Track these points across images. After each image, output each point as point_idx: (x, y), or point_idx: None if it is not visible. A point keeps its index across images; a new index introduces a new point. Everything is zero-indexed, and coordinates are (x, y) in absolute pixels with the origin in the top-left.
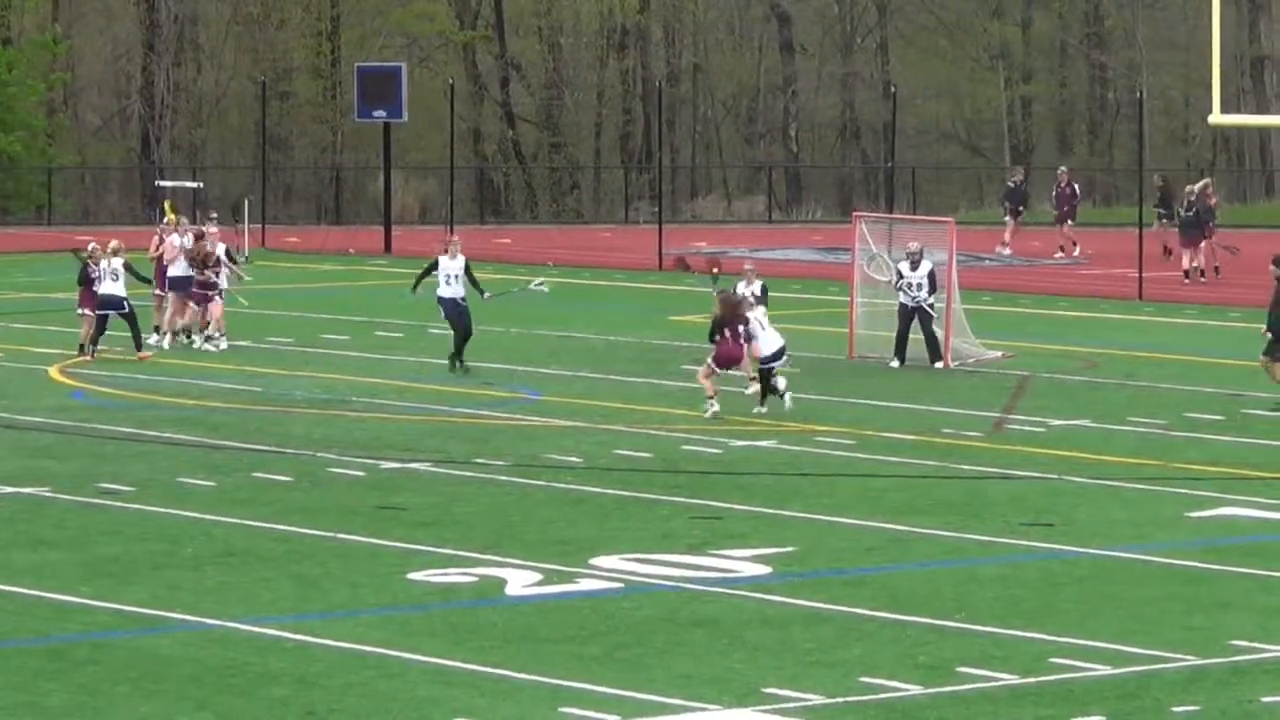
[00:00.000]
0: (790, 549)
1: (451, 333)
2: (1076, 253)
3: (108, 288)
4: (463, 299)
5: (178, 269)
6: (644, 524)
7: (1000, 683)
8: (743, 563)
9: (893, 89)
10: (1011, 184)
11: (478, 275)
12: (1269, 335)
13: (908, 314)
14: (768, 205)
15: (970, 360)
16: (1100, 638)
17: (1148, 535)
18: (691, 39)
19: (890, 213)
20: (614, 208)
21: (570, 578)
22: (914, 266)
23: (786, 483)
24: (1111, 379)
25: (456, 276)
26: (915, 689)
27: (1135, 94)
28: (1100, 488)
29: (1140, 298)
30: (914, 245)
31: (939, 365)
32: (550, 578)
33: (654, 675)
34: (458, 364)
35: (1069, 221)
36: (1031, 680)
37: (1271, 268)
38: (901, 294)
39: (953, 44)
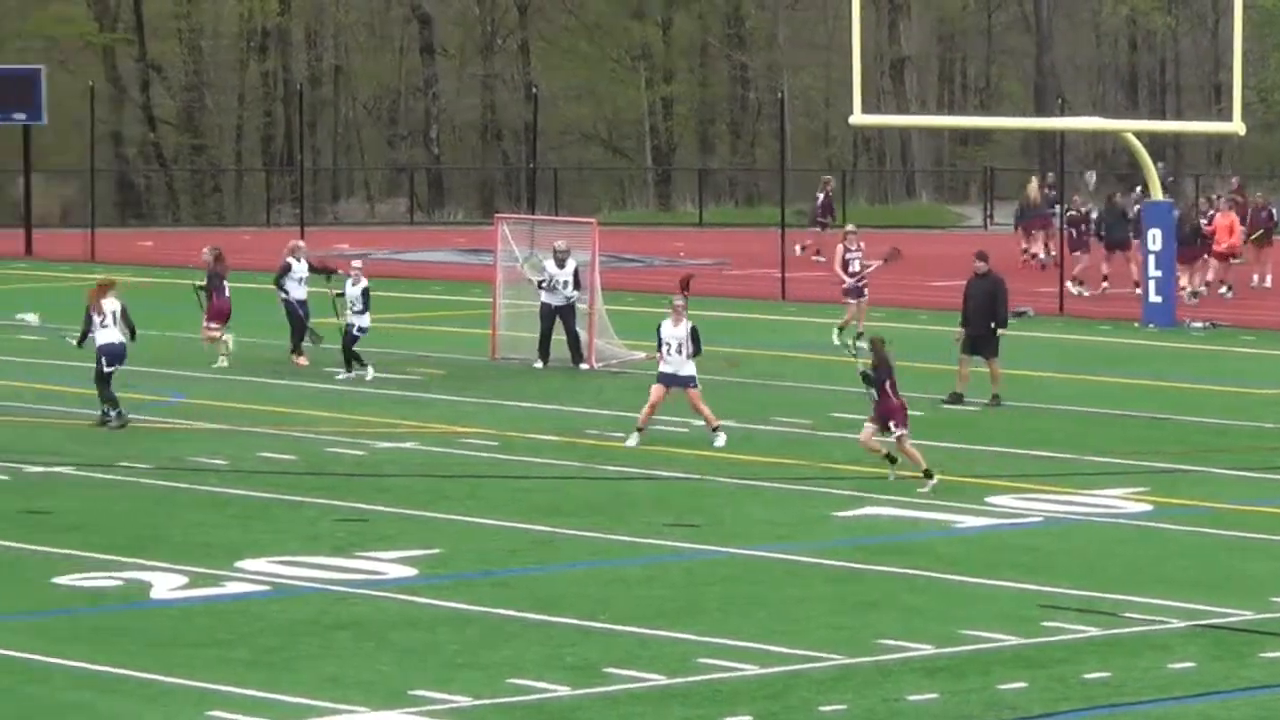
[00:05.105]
0: (436, 551)
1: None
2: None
3: None
4: None
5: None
6: (290, 526)
7: (648, 683)
8: (389, 564)
9: (534, 90)
10: (821, 196)
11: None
12: (963, 331)
13: (550, 314)
14: (410, 207)
15: (614, 361)
16: (746, 638)
17: (793, 535)
18: (333, 41)
19: (532, 214)
20: (256, 210)
21: (217, 581)
22: (560, 265)
23: (431, 484)
24: (755, 379)
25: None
26: (563, 690)
27: (776, 94)
28: (744, 488)
29: (783, 298)
30: (561, 244)
31: (583, 366)
32: (196, 581)
33: (301, 678)
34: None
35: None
36: (679, 680)
37: (976, 262)
38: (546, 293)
39: (593, 45)
